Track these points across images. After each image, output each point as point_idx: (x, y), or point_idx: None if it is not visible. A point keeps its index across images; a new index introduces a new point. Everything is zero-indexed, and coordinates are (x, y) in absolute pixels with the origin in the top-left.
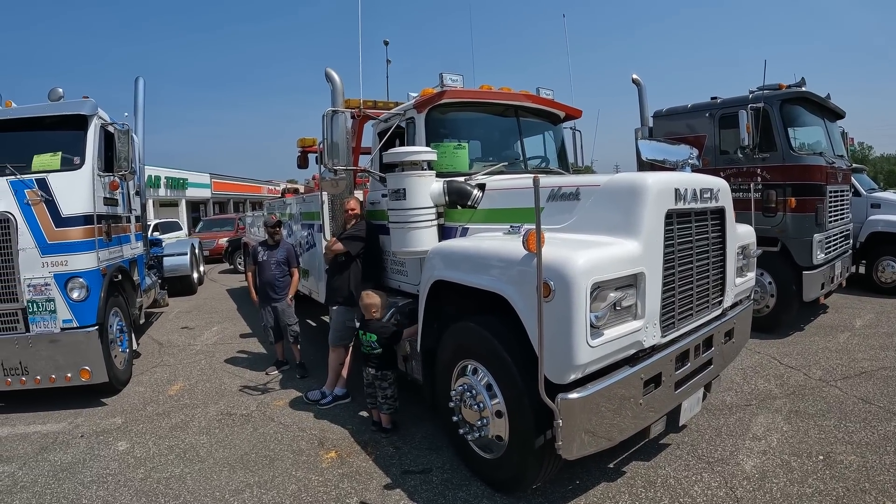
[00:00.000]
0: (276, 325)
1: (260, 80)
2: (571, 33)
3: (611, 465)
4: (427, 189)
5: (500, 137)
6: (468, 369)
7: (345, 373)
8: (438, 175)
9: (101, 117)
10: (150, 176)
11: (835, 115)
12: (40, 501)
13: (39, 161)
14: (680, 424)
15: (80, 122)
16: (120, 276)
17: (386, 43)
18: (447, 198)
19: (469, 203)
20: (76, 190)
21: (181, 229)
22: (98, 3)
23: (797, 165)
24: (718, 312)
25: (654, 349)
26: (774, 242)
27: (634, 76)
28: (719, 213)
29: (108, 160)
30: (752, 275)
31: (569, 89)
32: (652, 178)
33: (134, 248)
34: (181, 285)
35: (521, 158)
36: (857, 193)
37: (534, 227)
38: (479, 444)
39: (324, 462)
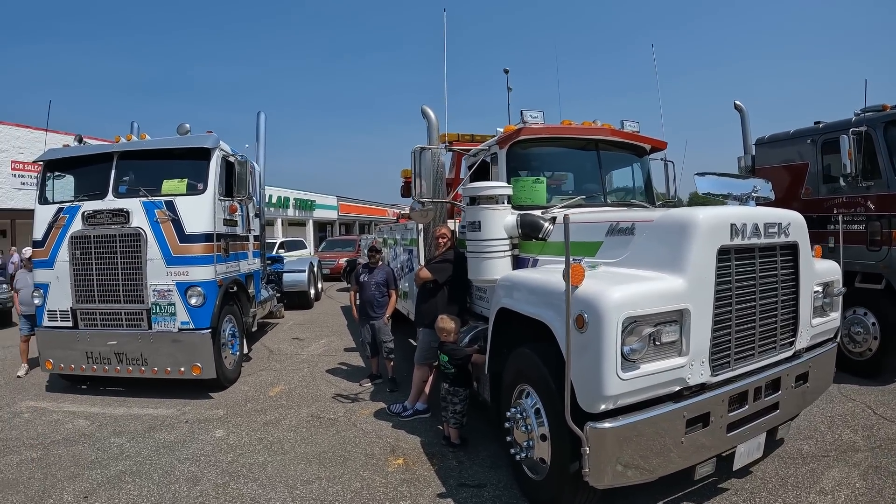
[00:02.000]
0: (372, 341)
1: (387, 107)
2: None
3: (661, 503)
4: (501, 221)
5: (580, 171)
6: (524, 393)
7: (427, 389)
8: (517, 208)
9: (222, 149)
10: (279, 197)
11: None
12: (139, 468)
13: (168, 185)
14: (734, 469)
15: (204, 154)
16: (235, 288)
17: (506, 71)
18: (520, 230)
19: (540, 235)
20: (199, 212)
21: (305, 248)
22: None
23: None
24: (789, 354)
25: (705, 387)
26: (879, 279)
27: (737, 102)
28: (791, 249)
29: (229, 186)
30: (835, 314)
31: (658, 121)
32: (703, 214)
33: (251, 264)
34: (299, 300)
35: (601, 192)
36: None
37: (591, 259)
38: (528, 465)
39: (390, 467)
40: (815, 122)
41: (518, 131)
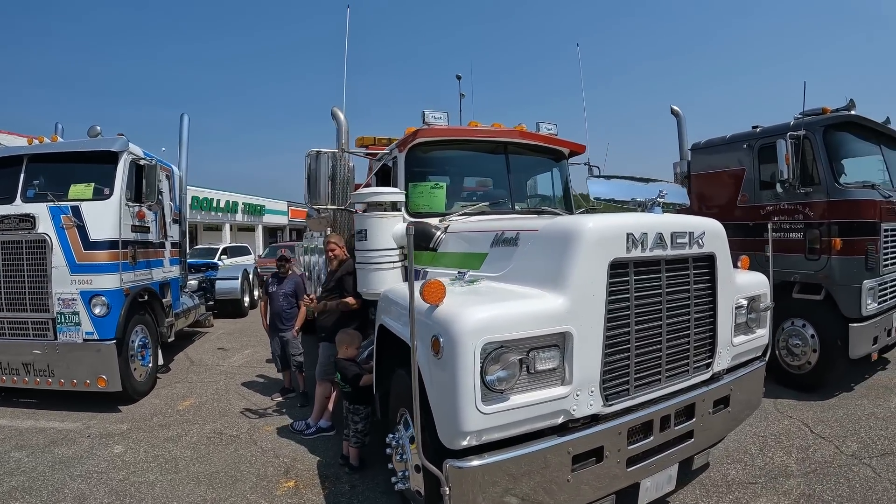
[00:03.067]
0: (282, 355)
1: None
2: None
3: None
4: (389, 230)
5: (487, 175)
6: (403, 419)
7: (331, 406)
8: (415, 215)
9: (131, 152)
10: (228, 201)
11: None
12: (31, 484)
13: (75, 190)
14: None
15: (111, 157)
16: (146, 297)
17: (458, 77)
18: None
19: (431, 245)
20: (104, 218)
21: (250, 254)
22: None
23: (844, 201)
24: (706, 377)
25: (597, 419)
26: (818, 290)
27: (673, 107)
28: (707, 261)
29: (139, 191)
30: (763, 331)
31: (582, 123)
32: (591, 223)
33: (167, 272)
34: (231, 308)
35: (509, 198)
36: None
37: (476, 272)
38: (409, 496)
39: (280, 490)
40: (753, 127)
41: (415, 133)
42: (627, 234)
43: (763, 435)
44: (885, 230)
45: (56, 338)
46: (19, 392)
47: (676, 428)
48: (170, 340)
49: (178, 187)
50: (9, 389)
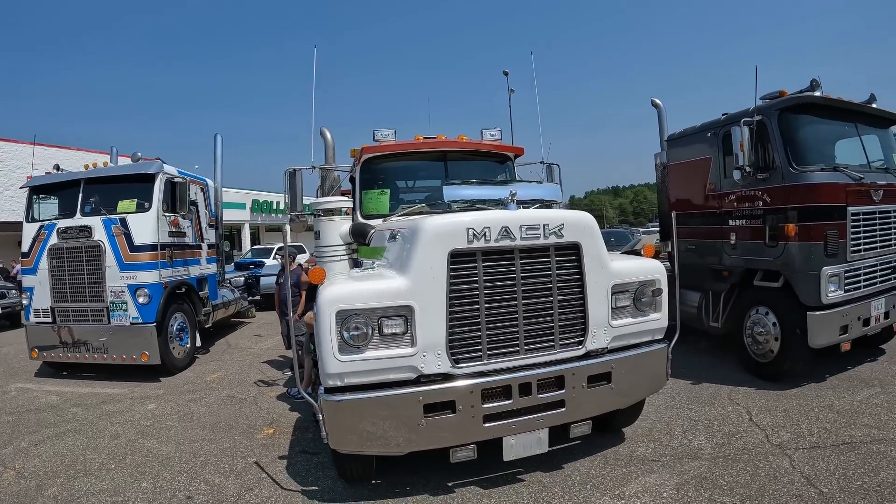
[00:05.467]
0: (288, 335)
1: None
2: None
3: (450, 484)
4: (337, 231)
5: (431, 180)
6: None
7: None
8: (367, 217)
9: (166, 172)
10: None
11: (881, 119)
12: (81, 428)
13: (122, 205)
14: (505, 460)
15: (150, 178)
16: (184, 289)
17: (506, 73)
18: (351, 237)
19: (366, 241)
20: (145, 226)
21: (304, 252)
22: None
23: (801, 185)
24: (580, 353)
25: (452, 377)
26: (777, 276)
27: (654, 99)
28: (573, 249)
29: (174, 203)
30: (657, 315)
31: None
32: (430, 222)
33: (204, 269)
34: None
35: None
36: None
37: (378, 261)
38: None
39: (261, 434)
40: (723, 114)
41: (361, 150)
42: (468, 229)
43: (697, 419)
44: (855, 214)
45: (109, 322)
46: (81, 367)
47: (541, 396)
48: (207, 327)
49: (213, 197)
50: (73, 365)
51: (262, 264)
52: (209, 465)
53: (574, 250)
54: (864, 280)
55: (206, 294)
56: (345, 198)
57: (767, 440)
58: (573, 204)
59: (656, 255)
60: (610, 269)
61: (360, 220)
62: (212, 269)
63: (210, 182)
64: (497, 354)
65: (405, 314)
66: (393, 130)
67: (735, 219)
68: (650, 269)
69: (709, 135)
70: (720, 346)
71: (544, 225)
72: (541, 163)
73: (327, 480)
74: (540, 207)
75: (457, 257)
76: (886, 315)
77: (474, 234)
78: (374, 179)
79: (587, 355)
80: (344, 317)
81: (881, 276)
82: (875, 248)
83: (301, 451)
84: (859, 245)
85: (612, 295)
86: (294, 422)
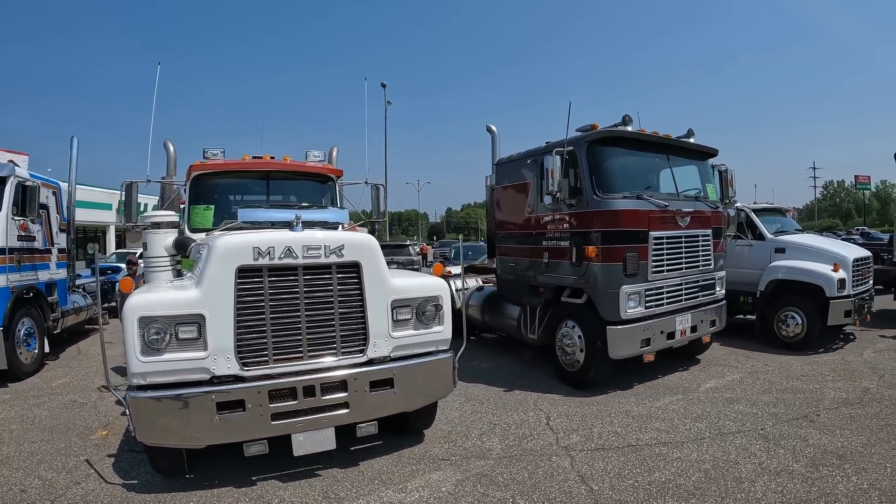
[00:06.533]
0: None
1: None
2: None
3: (253, 478)
4: (161, 243)
5: (256, 197)
6: None
7: None
8: (195, 231)
9: (17, 175)
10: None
11: (696, 152)
12: None
13: None
14: (294, 455)
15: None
16: (31, 294)
17: (383, 86)
18: (174, 250)
19: (187, 254)
20: None
21: None
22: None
23: (603, 211)
24: (362, 360)
25: (243, 379)
26: (581, 294)
27: (489, 125)
28: (353, 267)
29: (24, 207)
30: (440, 328)
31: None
32: (222, 240)
33: (53, 275)
34: None
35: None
36: (761, 237)
37: (191, 273)
38: None
39: (95, 435)
40: (545, 143)
41: (191, 167)
42: (254, 248)
43: (497, 423)
44: (658, 238)
45: None
46: None
47: (325, 398)
48: (56, 332)
49: (65, 201)
50: None
51: (119, 269)
52: (44, 462)
53: (354, 268)
54: (668, 297)
55: (56, 299)
56: (170, 212)
57: (557, 442)
58: (449, 216)
59: (486, 272)
60: (390, 285)
61: (188, 233)
62: (62, 274)
63: (63, 185)
64: (282, 359)
65: (198, 321)
66: (222, 150)
67: (548, 240)
68: (432, 286)
69: (529, 161)
70: (541, 356)
71: (325, 245)
72: (365, 183)
73: (147, 475)
74: (325, 228)
75: (245, 272)
76: (694, 329)
77: (259, 253)
78: (202, 195)
79: (370, 362)
80: (145, 322)
81: (687, 294)
82: (680, 269)
83: (129, 450)
84: (661, 266)
85: (392, 309)
86: (127, 424)
